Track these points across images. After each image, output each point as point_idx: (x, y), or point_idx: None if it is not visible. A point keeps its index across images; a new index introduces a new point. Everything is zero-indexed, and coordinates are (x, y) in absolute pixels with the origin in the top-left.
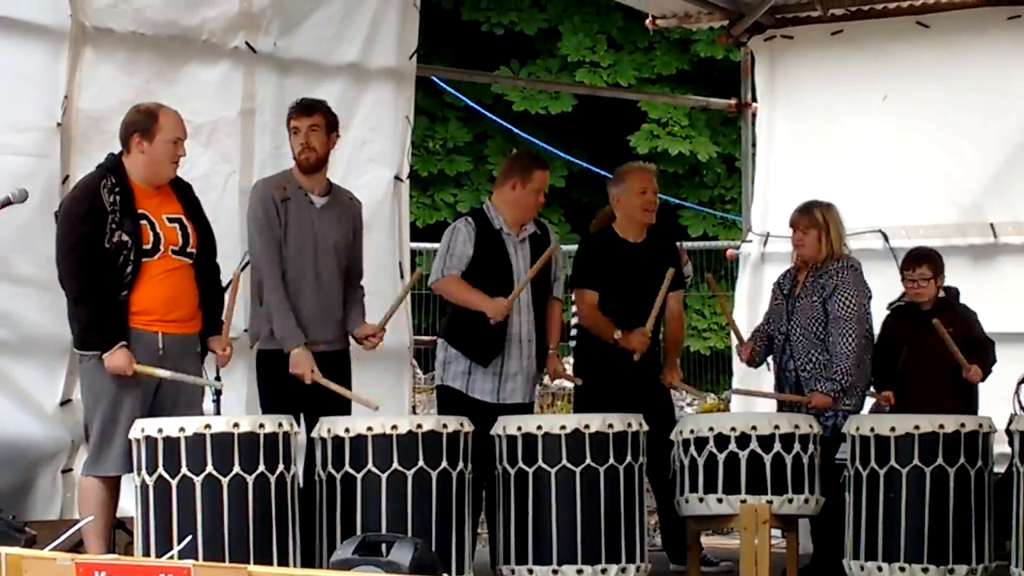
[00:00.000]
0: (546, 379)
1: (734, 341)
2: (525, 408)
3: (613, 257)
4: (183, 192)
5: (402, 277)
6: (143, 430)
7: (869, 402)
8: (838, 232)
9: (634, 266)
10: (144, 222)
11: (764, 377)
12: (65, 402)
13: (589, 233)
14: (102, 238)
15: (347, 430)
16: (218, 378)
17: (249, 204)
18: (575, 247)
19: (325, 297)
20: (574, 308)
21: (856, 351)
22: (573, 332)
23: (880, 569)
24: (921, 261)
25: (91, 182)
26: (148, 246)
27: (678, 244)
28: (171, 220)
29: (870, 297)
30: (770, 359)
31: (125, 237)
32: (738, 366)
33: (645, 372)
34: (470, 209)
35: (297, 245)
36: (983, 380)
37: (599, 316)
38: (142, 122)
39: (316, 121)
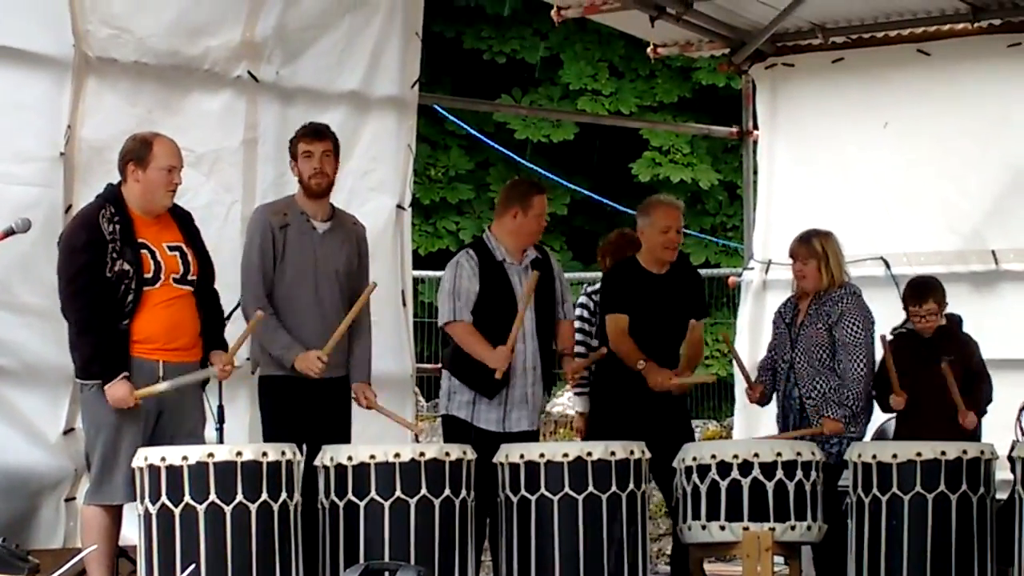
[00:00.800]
0: (547, 406)
1: (739, 379)
2: (531, 436)
3: (638, 287)
4: (182, 220)
5: (404, 305)
6: (146, 459)
7: (871, 430)
8: (838, 260)
9: (657, 297)
10: (144, 251)
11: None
12: (68, 431)
13: (614, 262)
14: (103, 268)
15: (350, 458)
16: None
17: (247, 228)
18: (578, 275)
19: (327, 323)
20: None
21: (866, 376)
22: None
23: None
24: (927, 295)
25: (90, 212)
26: (149, 275)
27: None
28: (171, 248)
29: (873, 322)
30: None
31: (127, 266)
32: (740, 393)
33: (664, 399)
34: (471, 240)
35: (297, 271)
36: (979, 418)
37: (628, 341)
38: (137, 150)
39: (328, 146)
